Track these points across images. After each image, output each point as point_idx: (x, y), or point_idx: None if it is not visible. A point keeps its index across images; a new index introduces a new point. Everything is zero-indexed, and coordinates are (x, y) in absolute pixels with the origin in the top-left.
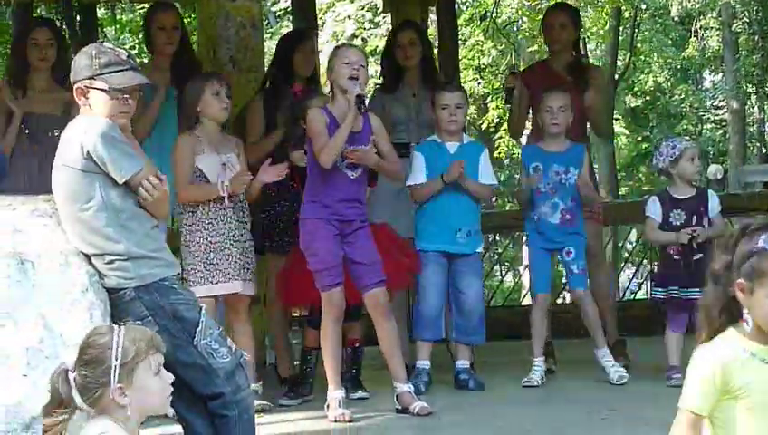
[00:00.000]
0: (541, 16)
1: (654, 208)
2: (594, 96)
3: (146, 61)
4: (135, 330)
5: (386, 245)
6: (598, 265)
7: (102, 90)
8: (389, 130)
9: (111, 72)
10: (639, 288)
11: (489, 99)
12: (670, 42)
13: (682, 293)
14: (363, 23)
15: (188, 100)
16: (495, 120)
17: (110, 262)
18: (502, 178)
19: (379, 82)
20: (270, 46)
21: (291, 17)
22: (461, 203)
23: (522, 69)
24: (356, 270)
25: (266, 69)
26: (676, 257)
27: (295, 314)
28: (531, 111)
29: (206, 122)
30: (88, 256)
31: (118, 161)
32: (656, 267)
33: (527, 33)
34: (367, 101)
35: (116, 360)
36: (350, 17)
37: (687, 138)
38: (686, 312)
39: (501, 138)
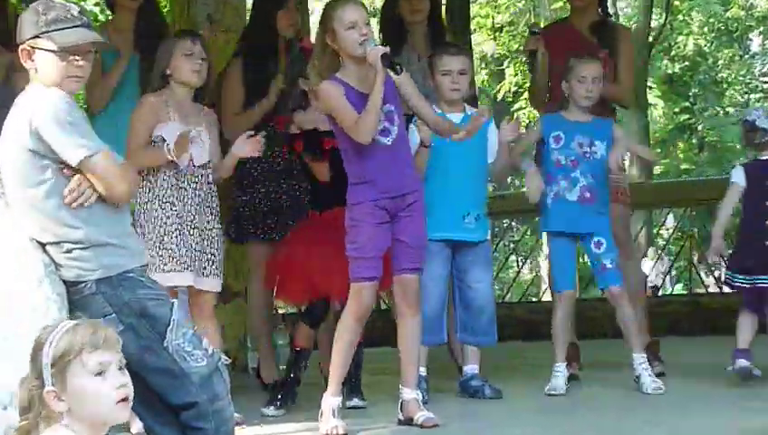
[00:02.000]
0: None
1: None
2: (624, 64)
3: (104, 20)
4: (80, 325)
5: None
6: (626, 255)
7: (49, 50)
8: None
9: (60, 30)
10: (678, 281)
11: (506, 63)
12: None
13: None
14: None
15: (158, 60)
16: (513, 89)
17: (68, 251)
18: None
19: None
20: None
21: None
22: (469, 183)
23: (530, 30)
24: (395, 248)
25: (244, 29)
26: None
27: (281, 311)
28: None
29: (174, 87)
30: (43, 245)
31: (70, 142)
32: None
33: None
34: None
35: (47, 358)
36: None
37: None
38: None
39: (521, 108)
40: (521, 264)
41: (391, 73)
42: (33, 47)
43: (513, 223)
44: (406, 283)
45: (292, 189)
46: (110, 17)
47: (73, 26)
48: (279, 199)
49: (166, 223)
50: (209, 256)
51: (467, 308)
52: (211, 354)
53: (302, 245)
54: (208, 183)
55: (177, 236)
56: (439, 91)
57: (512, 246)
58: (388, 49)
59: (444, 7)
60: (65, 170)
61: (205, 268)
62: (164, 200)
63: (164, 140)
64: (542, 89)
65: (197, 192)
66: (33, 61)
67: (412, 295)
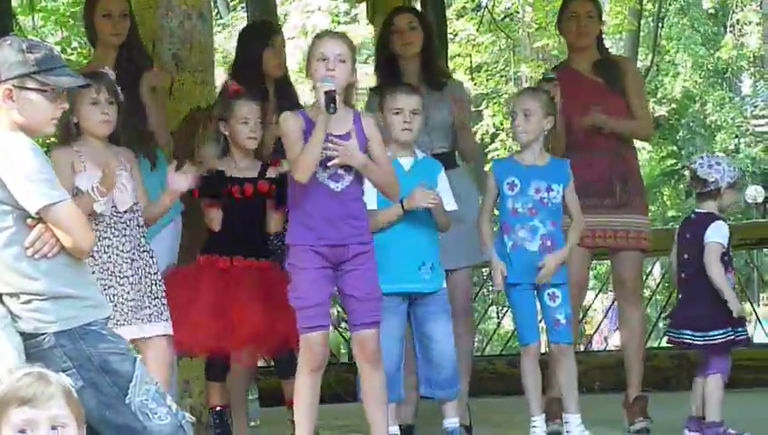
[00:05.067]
0: (548, 7)
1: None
2: (636, 97)
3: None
4: (24, 377)
5: None
6: (633, 301)
7: (40, 91)
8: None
9: (52, 70)
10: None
11: (483, 104)
12: (701, 39)
13: (737, 333)
14: (338, 14)
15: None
16: (491, 130)
17: (27, 302)
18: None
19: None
20: (220, 41)
21: (245, 7)
22: (422, 230)
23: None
24: (347, 304)
25: (229, 69)
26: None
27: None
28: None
29: (86, 136)
30: None
31: (32, 190)
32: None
33: (533, 26)
34: (338, 99)
35: None
36: (320, 8)
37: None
38: (729, 356)
39: (497, 150)
40: (501, 314)
41: (325, 110)
42: (19, 87)
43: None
44: (364, 338)
45: None
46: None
47: (62, 67)
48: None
49: (97, 279)
50: (161, 300)
51: (428, 361)
52: (175, 412)
53: (185, 292)
54: (138, 226)
55: (107, 292)
56: (390, 130)
57: (491, 296)
58: (333, 87)
59: None
60: (29, 220)
61: (161, 313)
62: (91, 255)
63: (81, 192)
64: (561, 136)
65: (126, 238)
66: (14, 101)
67: (372, 351)
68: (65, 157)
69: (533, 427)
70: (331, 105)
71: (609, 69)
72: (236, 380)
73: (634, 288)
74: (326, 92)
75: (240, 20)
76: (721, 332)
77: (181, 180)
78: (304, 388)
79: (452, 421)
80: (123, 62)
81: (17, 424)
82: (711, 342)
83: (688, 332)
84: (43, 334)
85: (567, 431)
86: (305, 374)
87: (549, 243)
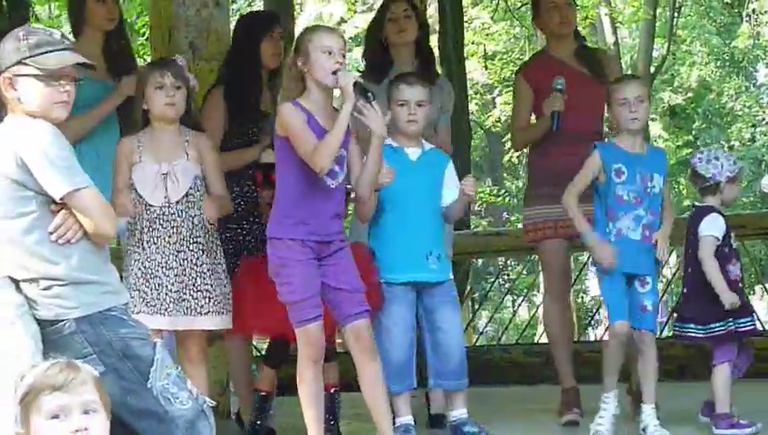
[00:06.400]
0: None
1: (720, 226)
2: None
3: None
4: (52, 365)
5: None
6: None
7: (34, 75)
8: None
9: (44, 54)
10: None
11: (497, 92)
12: (717, 28)
13: (738, 324)
14: (354, 2)
15: (136, 97)
16: (504, 118)
17: (47, 288)
18: (514, 189)
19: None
20: None
21: None
22: (428, 222)
23: (519, 67)
24: (335, 298)
25: (226, 58)
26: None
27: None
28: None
29: (154, 123)
30: (15, 281)
31: (57, 176)
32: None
33: None
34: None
35: (16, 396)
36: None
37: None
38: (735, 345)
39: None
40: (517, 304)
41: (362, 100)
42: (16, 74)
43: (509, 262)
44: (359, 329)
45: None
46: None
47: (57, 49)
48: (263, 235)
49: (143, 267)
50: (204, 293)
51: (436, 351)
52: (196, 397)
53: (255, 281)
54: (191, 217)
55: (151, 281)
56: (395, 122)
57: (507, 285)
58: (358, 76)
59: (438, 35)
60: (52, 206)
61: (202, 307)
62: (139, 244)
63: (133, 185)
64: (528, 134)
65: (176, 229)
66: (15, 90)
67: (367, 340)
68: (126, 147)
69: (604, 404)
70: (369, 93)
71: (591, 58)
72: (237, 359)
73: None
74: (355, 83)
75: (257, 8)
76: (721, 323)
77: (213, 210)
78: (310, 381)
79: (460, 412)
80: (112, 49)
81: (51, 410)
82: (712, 334)
83: (692, 325)
84: (63, 320)
85: (640, 420)
86: (309, 366)
87: (648, 232)
